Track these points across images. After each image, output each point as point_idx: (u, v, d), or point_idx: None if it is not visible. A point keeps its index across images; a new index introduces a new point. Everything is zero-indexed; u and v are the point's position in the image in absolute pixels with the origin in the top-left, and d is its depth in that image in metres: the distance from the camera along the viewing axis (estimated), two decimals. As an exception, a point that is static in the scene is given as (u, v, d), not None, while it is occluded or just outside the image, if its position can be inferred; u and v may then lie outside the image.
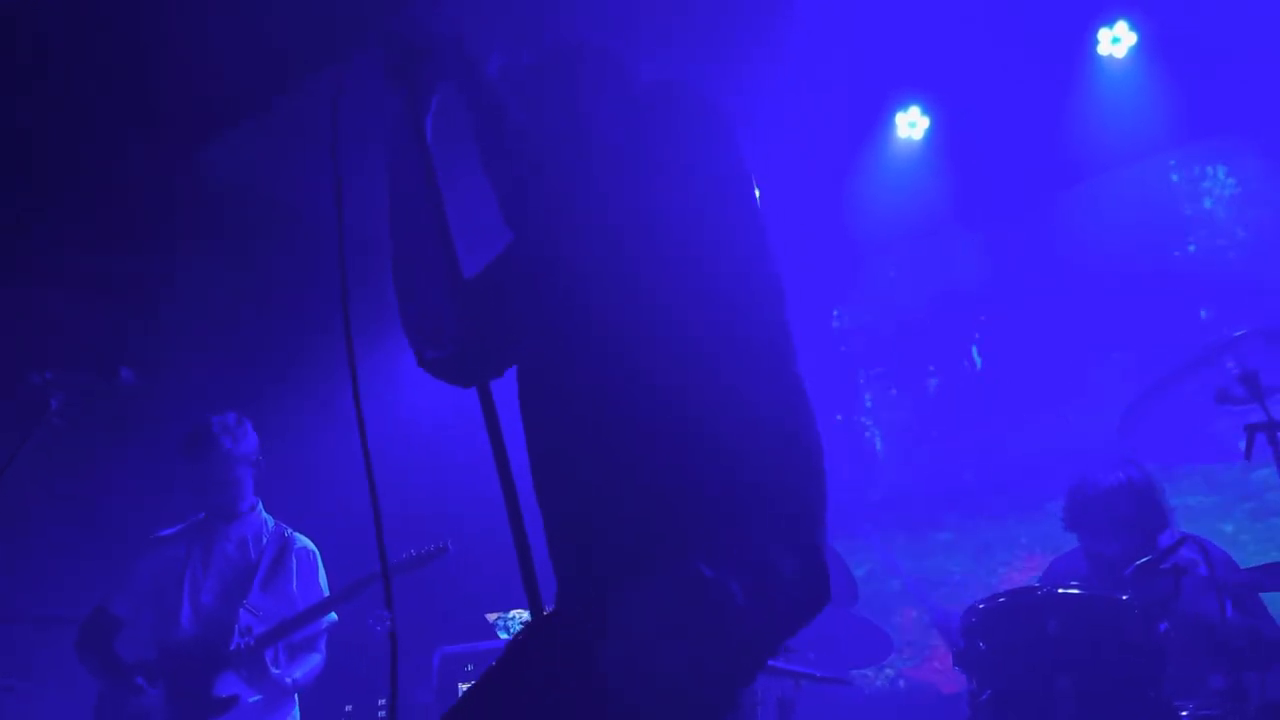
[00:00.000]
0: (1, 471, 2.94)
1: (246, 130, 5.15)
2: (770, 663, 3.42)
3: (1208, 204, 5.42)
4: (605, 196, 1.68)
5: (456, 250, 1.83)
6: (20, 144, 4.82)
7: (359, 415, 1.68)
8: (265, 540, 3.78)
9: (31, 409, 3.05)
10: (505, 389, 1.90)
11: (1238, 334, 2.84)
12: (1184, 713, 2.82)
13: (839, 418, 6.00)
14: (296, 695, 3.71)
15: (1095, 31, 5.37)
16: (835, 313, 6.37)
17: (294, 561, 3.79)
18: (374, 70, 1.79)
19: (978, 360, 5.89)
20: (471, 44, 1.79)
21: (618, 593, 1.49)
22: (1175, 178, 5.51)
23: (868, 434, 6.06)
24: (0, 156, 4.80)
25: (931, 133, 5.84)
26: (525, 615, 4.90)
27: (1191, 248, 5.39)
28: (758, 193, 1.79)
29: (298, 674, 3.64)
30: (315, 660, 3.73)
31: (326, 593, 3.80)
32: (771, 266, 1.76)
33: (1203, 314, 5.23)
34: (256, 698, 3.55)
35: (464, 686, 4.58)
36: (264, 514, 3.86)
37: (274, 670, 3.53)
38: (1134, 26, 5.31)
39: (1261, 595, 3.44)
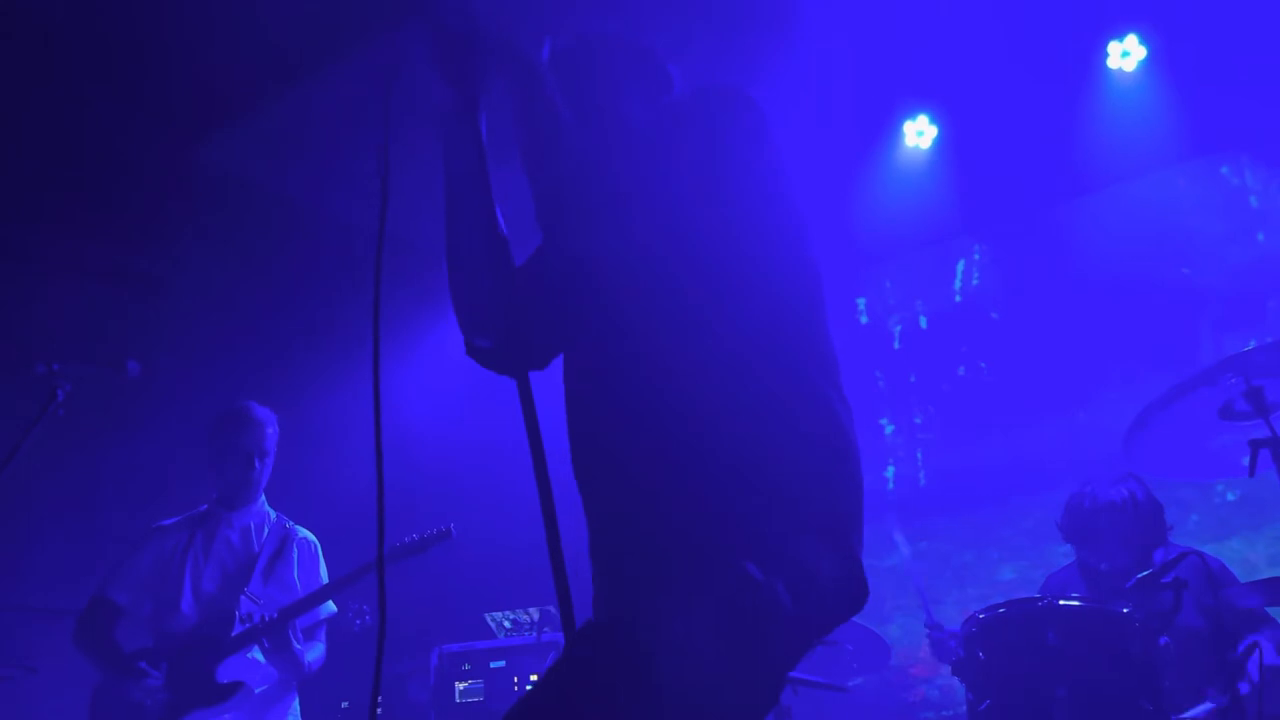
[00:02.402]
0: (7, 461, 2.94)
1: (255, 124, 5.15)
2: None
3: (1215, 218, 5.42)
4: (642, 200, 1.68)
5: (507, 241, 1.83)
6: (28, 137, 4.83)
7: (377, 410, 1.67)
8: (267, 531, 3.79)
9: (38, 399, 3.05)
10: (541, 386, 1.91)
11: (1245, 349, 2.83)
12: (1181, 727, 2.83)
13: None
14: (296, 687, 3.73)
15: (1105, 45, 5.38)
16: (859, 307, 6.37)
17: (295, 552, 3.81)
18: (421, 61, 1.78)
19: (983, 368, 5.90)
20: (523, 37, 1.79)
21: (660, 592, 1.50)
22: (1183, 192, 5.51)
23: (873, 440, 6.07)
24: (8, 150, 4.81)
25: (939, 142, 5.84)
26: (522, 616, 4.91)
27: (1196, 262, 5.40)
28: (800, 203, 1.78)
29: (310, 657, 3.64)
30: (319, 650, 3.73)
31: (326, 582, 3.81)
32: (810, 272, 1.76)
33: (1208, 328, 5.23)
34: (262, 687, 3.56)
35: (461, 685, 4.58)
36: (266, 506, 3.88)
37: (295, 645, 3.52)
38: (1144, 40, 5.32)
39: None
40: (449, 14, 1.78)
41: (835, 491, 1.61)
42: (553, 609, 4.65)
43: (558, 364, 1.92)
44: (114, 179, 5.10)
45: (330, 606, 3.75)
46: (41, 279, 5.15)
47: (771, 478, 1.56)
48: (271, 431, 3.81)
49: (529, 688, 1.56)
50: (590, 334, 1.77)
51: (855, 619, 4.37)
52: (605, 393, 1.72)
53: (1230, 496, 5.03)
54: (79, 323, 5.00)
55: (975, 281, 6.07)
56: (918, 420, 6.08)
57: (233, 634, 3.51)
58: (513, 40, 1.80)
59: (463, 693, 4.57)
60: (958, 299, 6.07)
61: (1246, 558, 4.84)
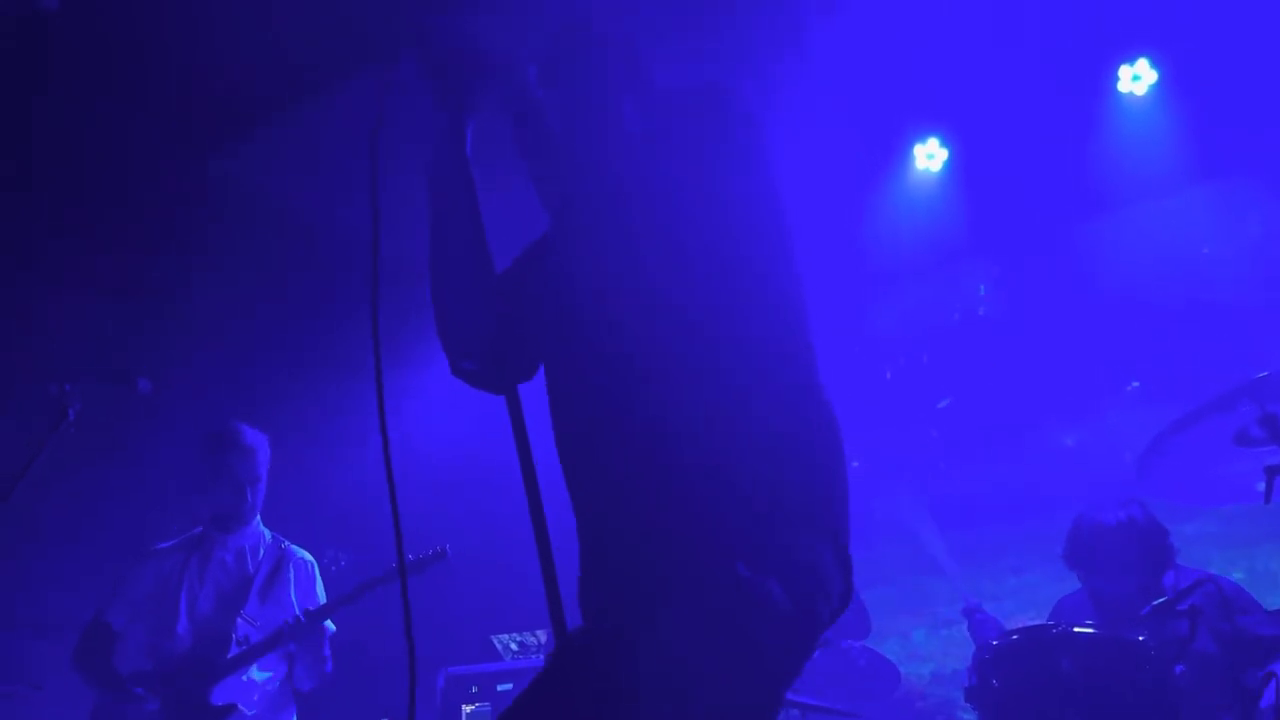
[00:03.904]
0: (18, 479, 2.93)
1: (266, 138, 5.17)
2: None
3: (1224, 242, 5.42)
4: (639, 208, 1.67)
5: (494, 263, 1.82)
6: (39, 151, 4.85)
7: (383, 430, 1.66)
8: (263, 553, 3.78)
9: (49, 416, 3.05)
10: (529, 402, 1.89)
11: (1259, 375, 2.82)
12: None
13: (855, 464, 5.98)
14: (295, 708, 3.71)
15: (1116, 68, 5.38)
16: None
17: (291, 572, 3.80)
18: (413, 83, 1.78)
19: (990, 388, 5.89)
20: (519, 60, 1.79)
21: (651, 598, 1.48)
22: (1193, 215, 5.51)
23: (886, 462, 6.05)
24: (20, 163, 4.83)
25: (950, 165, 5.85)
26: (529, 638, 4.89)
27: (1207, 285, 5.39)
28: (788, 206, 1.78)
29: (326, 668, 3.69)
30: (327, 660, 3.73)
31: (323, 601, 3.80)
32: (796, 281, 1.75)
33: (1216, 352, 5.21)
34: (254, 711, 3.54)
35: (468, 709, 4.55)
36: (262, 527, 3.87)
37: (326, 650, 3.61)
38: (1155, 65, 5.33)
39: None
40: (441, 36, 1.77)
41: (828, 486, 1.61)
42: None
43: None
44: (128, 193, 5.11)
45: (329, 625, 3.74)
46: (54, 294, 5.17)
47: (766, 473, 1.55)
48: (263, 457, 3.79)
49: (515, 700, 1.54)
50: (583, 339, 1.75)
51: (863, 642, 4.35)
52: (598, 393, 1.71)
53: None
54: (91, 338, 5.01)
55: (982, 312, 6.07)
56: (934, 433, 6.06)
57: (228, 656, 3.50)
58: (513, 69, 1.79)
59: (469, 715, 4.53)
60: (964, 318, 6.06)
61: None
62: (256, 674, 3.58)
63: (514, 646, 4.97)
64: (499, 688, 4.51)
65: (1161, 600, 2.89)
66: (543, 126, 1.77)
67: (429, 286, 1.87)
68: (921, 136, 5.85)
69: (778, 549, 1.50)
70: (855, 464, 6.12)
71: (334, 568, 3.69)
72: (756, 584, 1.44)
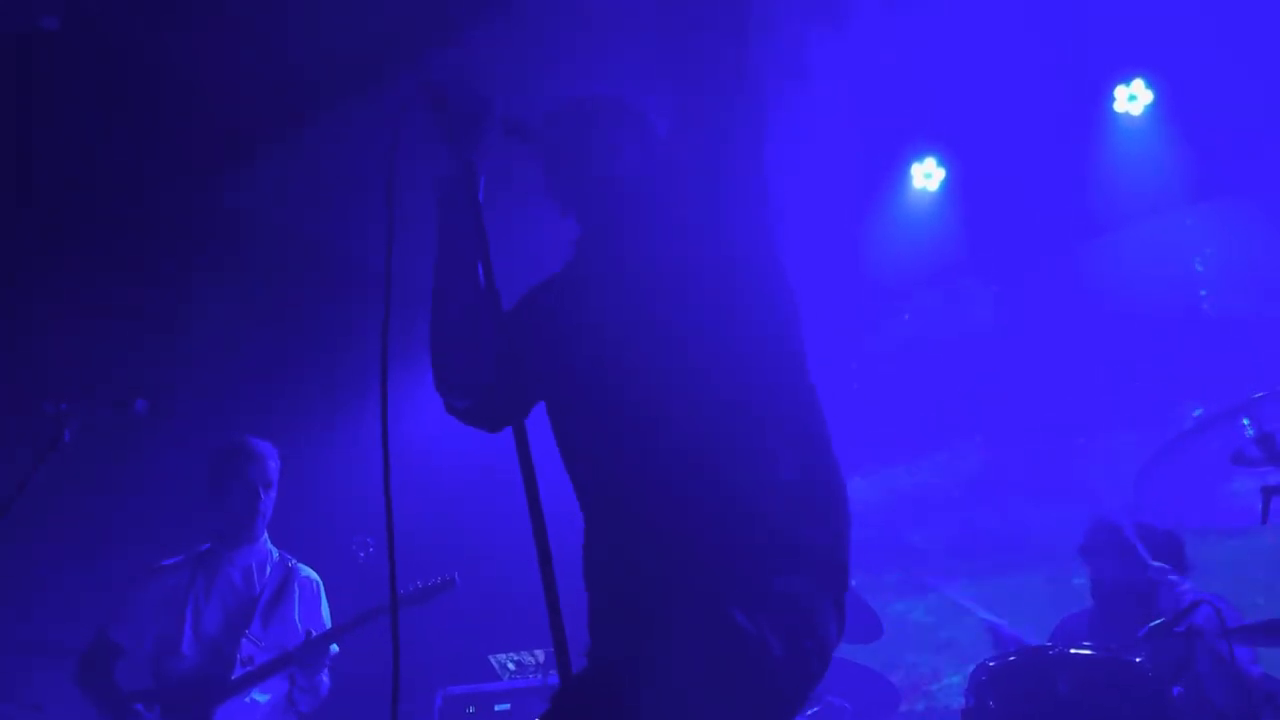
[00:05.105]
0: (12, 501, 2.93)
1: (266, 163, 5.20)
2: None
3: (1220, 262, 5.43)
4: (642, 252, 1.71)
5: (500, 305, 1.82)
6: (40, 174, 4.87)
7: (385, 452, 1.67)
8: (269, 570, 3.77)
9: (45, 439, 3.05)
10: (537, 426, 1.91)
11: (1256, 395, 2.82)
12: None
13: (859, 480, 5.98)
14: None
15: (1112, 89, 5.41)
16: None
17: (296, 590, 3.79)
18: (423, 127, 1.80)
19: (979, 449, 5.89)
20: (525, 110, 1.82)
21: (651, 642, 1.49)
22: (1189, 235, 5.52)
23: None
24: (20, 186, 4.84)
25: (947, 184, 5.86)
26: (527, 657, 4.87)
27: (1204, 305, 5.40)
28: (780, 239, 1.81)
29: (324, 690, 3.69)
30: (325, 683, 3.72)
31: (328, 621, 3.79)
32: (796, 313, 1.78)
33: (1212, 371, 5.22)
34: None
35: (466, 729, 4.53)
36: (269, 544, 3.86)
37: (324, 678, 3.61)
38: (1150, 85, 5.35)
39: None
40: (450, 90, 1.80)
41: (831, 534, 1.61)
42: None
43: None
44: (125, 214, 5.13)
45: (332, 646, 3.73)
46: (51, 314, 5.17)
47: (770, 518, 1.56)
48: (274, 464, 3.79)
49: None
50: (592, 382, 1.77)
51: (863, 661, 4.34)
52: (610, 437, 1.72)
53: None
54: (91, 360, 5.02)
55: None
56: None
57: (233, 677, 3.49)
58: (520, 119, 1.82)
59: (466, 735, 4.51)
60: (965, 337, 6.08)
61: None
62: (258, 695, 3.57)
63: (511, 666, 4.95)
64: (496, 708, 4.50)
65: (1159, 621, 2.89)
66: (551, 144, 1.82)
67: (429, 327, 1.90)
68: (919, 155, 5.87)
69: (776, 595, 1.51)
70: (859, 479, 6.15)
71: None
72: (750, 633, 1.45)
